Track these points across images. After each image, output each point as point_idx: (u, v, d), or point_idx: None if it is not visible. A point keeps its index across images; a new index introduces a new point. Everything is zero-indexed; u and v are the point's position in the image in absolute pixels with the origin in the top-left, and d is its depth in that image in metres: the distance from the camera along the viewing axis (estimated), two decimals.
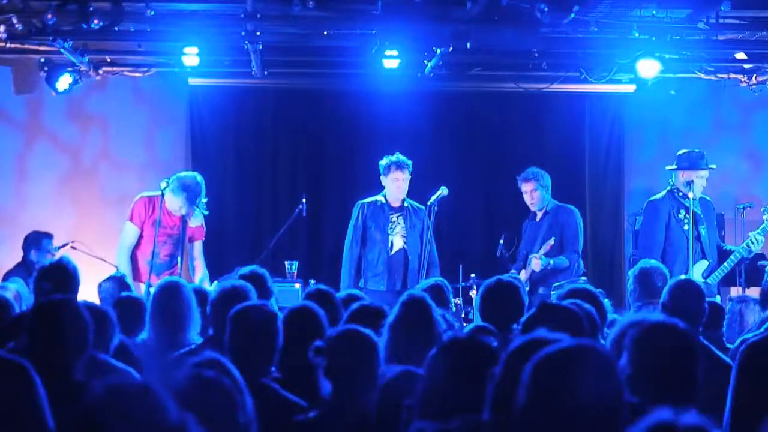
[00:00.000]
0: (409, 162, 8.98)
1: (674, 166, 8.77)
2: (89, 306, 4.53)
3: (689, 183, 8.54)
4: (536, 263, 8.73)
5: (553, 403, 2.63)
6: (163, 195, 8.48)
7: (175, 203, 8.54)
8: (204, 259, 8.86)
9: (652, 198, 8.93)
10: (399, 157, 8.97)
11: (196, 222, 8.77)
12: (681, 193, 8.70)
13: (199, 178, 8.73)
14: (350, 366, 3.96)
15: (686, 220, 8.61)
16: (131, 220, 8.67)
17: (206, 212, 8.82)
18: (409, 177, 9.01)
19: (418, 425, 3.23)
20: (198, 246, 8.86)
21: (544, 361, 2.68)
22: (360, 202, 9.18)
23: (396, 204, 9.07)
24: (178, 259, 8.68)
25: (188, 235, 8.71)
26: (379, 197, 9.11)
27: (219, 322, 5.14)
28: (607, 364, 2.70)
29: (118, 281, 6.95)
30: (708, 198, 8.85)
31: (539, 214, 9.07)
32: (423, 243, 8.89)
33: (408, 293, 5.19)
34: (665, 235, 8.67)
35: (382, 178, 9.04)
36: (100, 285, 6.97)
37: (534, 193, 9.04)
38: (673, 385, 3.26)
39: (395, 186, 8.98)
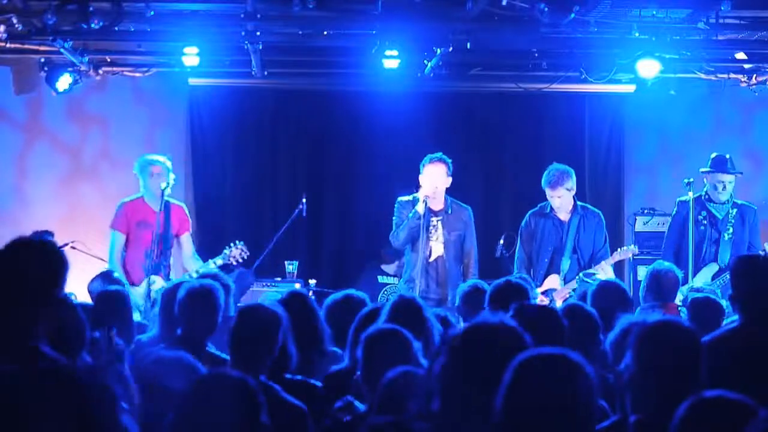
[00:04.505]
0: (448, 159, 8.47)
1: (708, 169, 8.81)
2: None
3: (715, 186, 8.63)
4: (607, 273, 8.28)
5: (528, 405, 2.67)
6: (162, 194, 8.51)
7: (151, 182, 8.62)
8: (195, 251, 8.82)
9: (679, 198, 8.97)
10: (436, 153, 8.53)
11: (178, 207, 8.73)
12: (707, 196, 8.75)
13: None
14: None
15: (704, 223, 8.66)
16: (113, 226, 8.70)
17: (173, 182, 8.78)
18: (446, 174, 8.44)
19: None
20: (186, 240, 8.79)
21: (524, 364, 2.73)
22: (399, 199, 8.61)
23: (435, 206, 8.49)
24: (171, 256, 8.71)
25: (174, 227, 8.66)
26: (418, 195, 8.52)
27: (187, 320, 5.19)
28: (580, 370, 2.73)
29: (106, 278, 6.94)
30: (750, 205, 8.91)
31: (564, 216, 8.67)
32: (465, 247, 8.51)
33: (399, 294, 5.21)
34: (683, 235, 8.71)
35: (420, 178, 8.51)
36: (88, 285, 6.97)
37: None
38: (677, 383, 3.26)
39: (428, 182, 8.40)
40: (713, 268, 8.61)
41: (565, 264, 8.53)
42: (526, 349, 2.97)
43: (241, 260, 8.53)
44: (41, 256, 3.35)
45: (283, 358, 4.60)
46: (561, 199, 8.60)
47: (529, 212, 8.84)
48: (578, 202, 8.74)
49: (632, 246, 8.73)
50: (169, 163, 8.78)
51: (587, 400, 2.71)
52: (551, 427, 2.65)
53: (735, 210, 8.70)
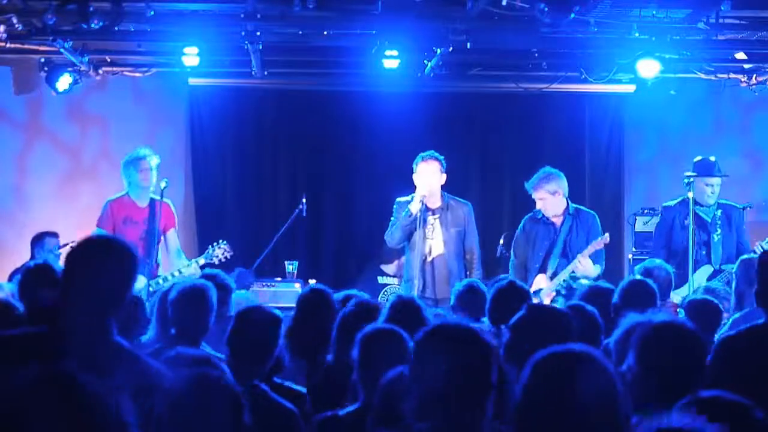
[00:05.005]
0: (440, 156, 8.49)
1: (692, 174, 8.78)
2: None
3: (702, 189, 8.61)
4: (585, 266, 8.25)
5: (550, 404, 2.64)
6: (162, 194, 8.49)
7: (138, 178, 8.62)
8: (180, 249, 8.82)
9: (664, 204, 8.98)
10: (428, 152, 8.54)
11: (164, 204, 8.69)
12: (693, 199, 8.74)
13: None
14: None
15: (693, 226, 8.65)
16: (98, 224, 8.72)
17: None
18: (439, 171, 8.45)
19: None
20: (171, 236, 8.79)
21: (543, 363, 2.69)
22: (398, 199, 8.62)
23: (432, 204, 8.50)
24: (159, 256, 8.70)
25: (161, 223, 8.65)
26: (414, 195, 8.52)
27: (180, 321, 5.18)
28: (605, 370, 2.71)
29: None
30: (735, 204, 8.87)
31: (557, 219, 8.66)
32: (466, 243, 8.51)
33: (397, 294, 5.22)
34: (671, 240, 8.70)
35: (414, 177, 8.53)
36: None
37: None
38: (679, 384, 3.25)
39: (420, 180, 8.42)
40: (708, 270, 8.60)
41: (554, 263, 8.51)
42: (490, 360, 3.00)
43: (224, 260, 8.49)
44: (119, 257, 3.44)
45: (275, 362, 4.61)
46: (544, 202, 8.59)
47: (525, 217, 8.86)
48: (572, 205, 8.71)
49: (605, 235, 8.63)
50: (155, 161, 8.73)
51: (610, 400, 2.67)
52: (573, 428, 2.61)
53: (720, 211, 8.68)
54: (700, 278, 8.42)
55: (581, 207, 8.85)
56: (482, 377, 3.02)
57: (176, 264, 8.63)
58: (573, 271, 8.26)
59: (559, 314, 4.38)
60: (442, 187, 8.58)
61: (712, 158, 8.83)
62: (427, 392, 3.02)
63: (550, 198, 8.54)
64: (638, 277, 6.36)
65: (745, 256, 7.81)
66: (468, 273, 8.43)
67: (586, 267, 8.26)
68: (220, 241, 8.66)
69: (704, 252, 8.64)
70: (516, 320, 4.25)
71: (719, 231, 8.65)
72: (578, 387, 2.63)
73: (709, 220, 8.69)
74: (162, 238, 8.75)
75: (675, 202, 8.88)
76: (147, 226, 8.60)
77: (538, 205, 8.63)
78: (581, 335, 4.41)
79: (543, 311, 4.32)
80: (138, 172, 8.69)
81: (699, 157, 8.86)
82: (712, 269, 8.58)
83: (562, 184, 8.58)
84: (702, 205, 8.71)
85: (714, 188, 8.70)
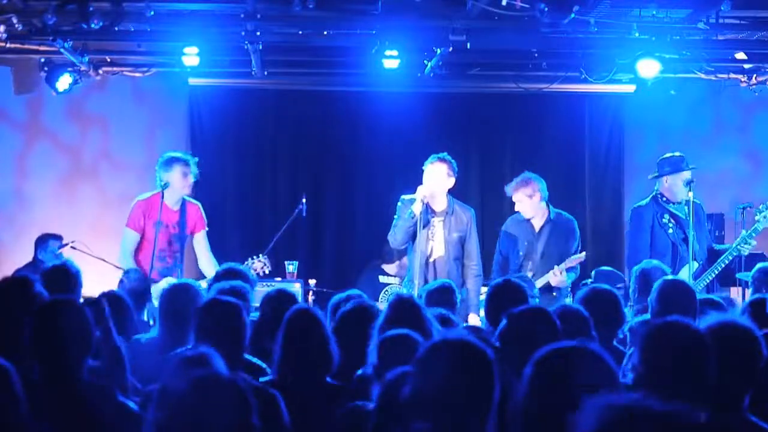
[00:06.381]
0: (451, 160, 8.34)
1: (656, 174, 8.77)
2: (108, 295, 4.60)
3: (689, 183, 8.53)
4: (560, 278, 8.39)
5: (553, 399, 2.65)
6: (163, 193, 8.40)
7: (178, 180, 8.37)
8: (211, 252, 8.59)
9: (636, 204, 8.94)
10: (441, 154, 8.41)
11: (194, 206, 8.60)
12: (665, 198, 8.70)
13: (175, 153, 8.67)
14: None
15: (670, 225, 8.63)
16: (128, 225, 8.47)
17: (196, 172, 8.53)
18: (446, 174, 8.29)
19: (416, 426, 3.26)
20: (201, 238, 8.58)
21: (543, 361, 2.70)
22: (403, 197, 8.45)
23: (437, 207, 8.36)
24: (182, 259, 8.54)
25: (189, 226, 8.50)
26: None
27: None
28: (605, 365, 2.71)
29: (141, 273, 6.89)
30: (696, 200, 8.83)
31: (536, 222, 8.73)
32: (465, 248, 8.39)
33: (396, 293, 5.22)
34: (650, 240, 8.68)
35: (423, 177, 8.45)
36: (121, 281, 6.95)
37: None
38: (683, 383, 3.25)
39: (427, 181, 8.27)
40: (693, 266, 8.53)
41: (532, 266, 8.57)
42: (490, 373, 3.02)
43: (262, 274, 8.24)
44: None
45: (324, 360, 4.60)
46: (521, 204, 8.69)
47: (510, 217, 8.92)
48: (553, 210, 8.75)
49: (581, 254, 8.68)
50: (191, 163, 8.53)
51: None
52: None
53: (686, 207, 8.63)
54: (685, 276, 8.38)
55: (562, 212, 8.87)
56: (482, 388, 3.03)
57: (210, 270, 8.21)
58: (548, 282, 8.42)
59: (540, 315, 4.36)
60: (450, 191, 8.47)
61: (678, 153, 8.80)
62: (429, 398, 3.03)
63: (527, 201, 8.68)
64: (670, 277, 6.33)
65: (762, 263, 7.81)
66: (465, 278, 8.39)
67: (560, 279, 8.44)
68: (261, 255, 8.44)
69: (684, 249, 8.59)
70: (500, 331, 4.24)
71: (691, 227, 8.60)
72: (579, 382, 2.64)
73: (684, 217, 8.63)
74: (191, 240, 8.52)
75: (646, 201, 8.83)
76: (177, 229, 8.39)
77: (516, 207, 8.76)
78: (571, 337, 4.40)
79: (521, 317, 4.30)
80: (183, 176, 8.38)
81: (668, 154, 8.82)
82: (697, 265, 8.51)
83: (539, 188, 8.69)
84: (673, 203, 8.68)
85: (689, 182, 8.62)
